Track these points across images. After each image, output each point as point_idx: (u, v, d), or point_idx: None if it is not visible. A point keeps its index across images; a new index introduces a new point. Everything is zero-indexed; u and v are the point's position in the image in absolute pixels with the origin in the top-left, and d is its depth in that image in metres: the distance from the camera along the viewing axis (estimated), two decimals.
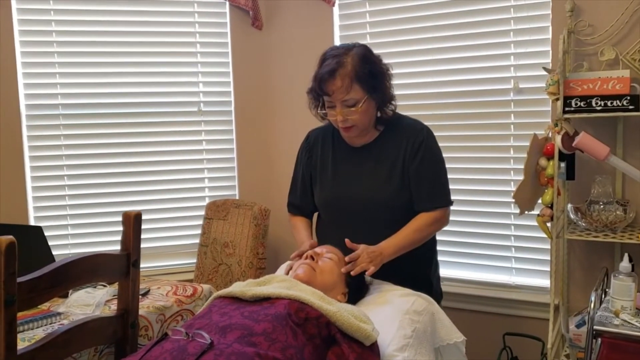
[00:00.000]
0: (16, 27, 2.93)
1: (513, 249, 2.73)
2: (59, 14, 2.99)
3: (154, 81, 3.14)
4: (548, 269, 2.35)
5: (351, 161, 2.12)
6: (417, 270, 2.08)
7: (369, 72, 1.98)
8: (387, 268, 1.90)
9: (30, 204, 3.01)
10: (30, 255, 2.02)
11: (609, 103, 2.16)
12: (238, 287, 1.67)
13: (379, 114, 2.10)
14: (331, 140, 2.19)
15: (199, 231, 3.16)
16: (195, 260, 3.15)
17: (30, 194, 3.01)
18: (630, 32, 2.33)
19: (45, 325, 1.83)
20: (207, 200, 3.22)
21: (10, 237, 1.35)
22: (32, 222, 2.99)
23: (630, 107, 2.13)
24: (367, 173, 2.07)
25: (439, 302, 2.08)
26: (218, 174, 3.31)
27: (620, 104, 2.15)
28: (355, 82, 1.95)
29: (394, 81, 2.13)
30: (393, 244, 1.96)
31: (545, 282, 2.55)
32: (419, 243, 2.03)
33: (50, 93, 3.01)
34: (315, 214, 2.30)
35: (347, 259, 1.82)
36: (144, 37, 3.11)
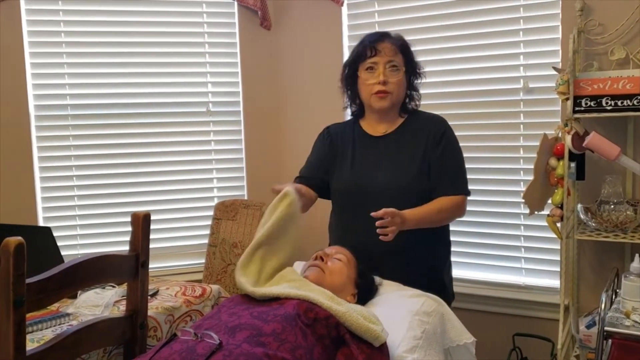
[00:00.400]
0: (25, 28, 2.93)
1: (523, 249, 2.72)
2: (68, 15, 3.00)
3: (163, 81, 3.14)
4: (558, 269, 2.34)
5: (371, 150, 2.16)
6: (430, 271, 2.08)
7: (411, 52, 2.18)
8: (400, 269, 1.91)
9: (40, 205, 3.02)
10: (39, 256, 2.02)
11: (619, 103, 2.14)
12: (247, 284, 1.67)
13: (407, 100, 2.20)
14: (351, 132, 2.24)
15: (207, 231, 3.16)
16: (204, 261, 3.15)
17: (39, 194, 3.02)
18: None
19: (54, 326, 1.83)
20: (216, 201, 3.22)
21: (19, 238, 1.35)
22: (41, 223, 3.00)
23: None
24: (387, 161, 2.10)
25: (450, 303, 2.09)
26: (227, 174, 3.31)
27: (630, 104, 2.13)
28: (400, 51, 2.14)
29: None
30: (416, 216, 1.97)
31: (555, 283, 2.54)
32: (436, 224, 2.08)
33: (59, 93, 3.02)
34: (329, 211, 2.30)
35: (377, 223, 1.82)
36: (153, 38, 3.11)
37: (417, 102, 2.25)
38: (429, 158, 2.09)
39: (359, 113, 2.28)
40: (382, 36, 2.14)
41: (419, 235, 1.99)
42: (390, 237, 1.85)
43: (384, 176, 2.06)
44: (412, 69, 2.18)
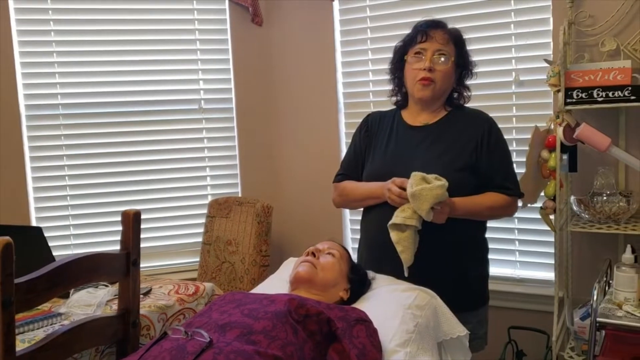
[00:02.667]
0: (14, 28, 2.92)
1: (517, 242, 2.72)
2: (57, 14, 2.99)
3: (154, 79, 3.13)
4: (552, 261, 2.34)
5: (408, 139, 2.09)
6: (460, 271, 2.03)
7: (464, 47, 2.10)
8: (428, 259, 1.90)
9: (32, 205, 3.01)
10: (31, 257, 2.02)
11: (610, 94, 2.14)
12: None
13: (454, 95, 2.13)
14: (391, 120, 2.17)
15: (201, 229, 3.16)
16: (198, 259, 3.15)
17: (31, 194, 3.01)
18: (631, 23, 2.31)
19: (46, 326, 1.83)
20: (210, 198, 3.22)
21: (7, 237, 1.34)
22: (33, 223, 2.99)
23: (632, 97, 2.11)
24: (422, 151, 2.03)
25: (481, 306, 2.10)
26: (220, 172, 3.30)
27: (622, 95, 2.12)
28: (452, 41, 2.05)
29: None
30: (467, 205, 1.94)
31: (550, 275, 2.53)
32: (484, 218, 2.07)
33: (49, 93, 3.01)
34: None
35: None
36: (144, 35, 3.10)
37: (466, 99, 2.15)
38: (474, 157, 2.00)
39: (402, 104, 2.19)
40: (437, 24, 2.07)
41: (454, 231, 1.94)
42: (440, 220, 1.84)
43: (416, 165, 1.94)
44: (463, 63, 2.09)
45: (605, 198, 2.25)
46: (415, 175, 1.81)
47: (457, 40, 2.06)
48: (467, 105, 2.16)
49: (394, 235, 1.84)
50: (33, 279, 1.46)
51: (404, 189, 1.82)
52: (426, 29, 2.03)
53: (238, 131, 3.27)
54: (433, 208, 1.79)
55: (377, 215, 2.04)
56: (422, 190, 1.76)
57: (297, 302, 1.53)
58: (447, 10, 2.75)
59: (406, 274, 1.86)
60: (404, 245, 1.83)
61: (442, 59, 2.01)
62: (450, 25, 2.09)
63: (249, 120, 3.28)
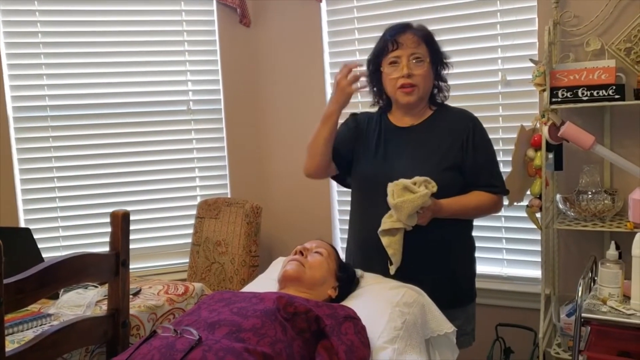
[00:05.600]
0: (1, 29, 2.92)
1: (504, 240, 2.75)
2: (44, 15, 2.98)
3: (142, 81, 3.14)
4: (539, 259, 2.36)
5: (396, 140, 2.10)
6: (447, 268, 2.04)
7: (435, 42, 2.09)
8: (417, 260, 1.92)
9: (21, 207, 3.01)
10: (20, 258, 2.02)
11: (595, 93, 2.17)
12: None
13: (435, 92, 2.13)
14: (378, 120, 2.17)
15: (191, 230, 3.16)
16: (188, 260, 3.15)
17: (20, 196, 3.00)
18: (615, 23, 2.34)
19: (36, 327, 1.83)
20: (199, 199, 3.22)
21: None
22: (22, 224, 2.98)
23: (616, 96, 2.14)
24: (410, 151, 2.04)
25: (469, 303, 2.12)
26: (209, 173, 3.31)
27: (606, 94, 2.16)
28: (423, 42, 2.04)
29: None
30: (452, 206, 1.96)
31: (537, 273, 2.56)
32: (470, 217, 2.09)
33: (37, 95, 3.00)
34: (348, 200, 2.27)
35: None
36: (131, 37, 3.10)
37: (446, 94, 2.16)
38: (460, 156, 2.01)
39: (386, 107, 2.19)
40: (404, 28, 2.05)
41: (442, 229, 1.96)
42: (423, 222, 1.86)
43: (404, 166, 1.97)
44: (437, 59, 2.09)
45: (590, 196, 2.27)
46: (397, 184, 1.84)
47: (427, 39, 2.06)
48: (452, 104, 2.17)
49: (385, 240, 1.87)
50: (22, 279, 1.46)
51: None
52: (395, 37, 2.03)
53: (227, 132, 3.28)
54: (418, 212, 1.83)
55: (365, 216, 2.05)
56: (403, 203, 1.80)
57: (286, 300, 1.54)
58: (434, 11, 2.77)
59: (392, 272, 1.88)
60: (395, 248, 1.86)
61: (418, 62, 2.02)
62: (416, 24, 2.09)
63: (237, 121, 3.29)
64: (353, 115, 2.25)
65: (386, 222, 1.87)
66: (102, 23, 3.05)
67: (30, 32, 2.98)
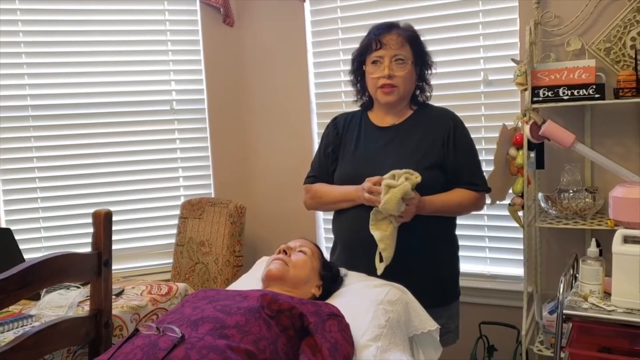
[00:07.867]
0: None
1: (487, 239, 2.76)
2: (26, 14, 2.95)
3: (125, 80, 3.12)
4: (521, 257, 2.38)
5: (376, 140, 2.10)
6: (432, 265, 2.06)
7: (420, 43, 2.10)
8: (402, 259, 1.92)
9: (2, 207, 2.97)
10: (0, 258, 2.00)
11: (575, 92, 2.20)
12: None
13: (417, 92, 2.14)
14: (359, 121, 2.18)
15: (174, 231, 3.15)
16: (171, 260, 3.13)
17: (1, 196, 2.97)
18: (595, 23, 2.37)
19: (17, 328, 1.80)
20: (182, 199, 3.21)
21: None
22: (3, 225, 2.95)
23: (596, 95, 2.17)
24: (391, 151, 2.05)
25: (453, 301, 2.14)
26: (192, 173, 3.30)
27: (586, 93, 2.18)
28: (407, 42, 2.05)
29: None
30: (435, 204, 1.97)
31: (520, 271, 2.58)
32: (451, 215, 2.09)
33: (19, 94, 2.98)
34: None
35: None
36: (114, 36, 3.08)
37: (428, 94, 2.17)
38: (441, 154, 2.03)
39: (368, 105, 2.21)
40: (389, 28, 2.06)
41: (426, 228, 1.98)
42: (407, 218, 1.87)
43: (386, 165, 1.97)
44: (421, 61, 2.10)
45: (571, 194, 2.30)
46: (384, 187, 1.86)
47: (412, 40, 2.06)
48: (433, 103, 2.19)
49: (377, 234, 1.87)
50: (2, 279, 1.44)
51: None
52: (379, 36, 2.04)
53: (210, 132, 3.27)
54: (404, 199, 1.84)
55: (350, 216, 2.06)
56: (386, 204, 1.82)
57: (270, 297, 1.54)
58: (416, 11, 2.78)
59: (379, 273, 1.89)
60: (386, 242, 1.87)
61: (401, 64, 2.03)
62: (402, 24, 2.09)
63: (221, 120, 3.28)
64: (333, 120, 2.26)
65: (372, 219, 1.89)
66: (85, 22, 3.03)
67: (12, 31, 2.95)
